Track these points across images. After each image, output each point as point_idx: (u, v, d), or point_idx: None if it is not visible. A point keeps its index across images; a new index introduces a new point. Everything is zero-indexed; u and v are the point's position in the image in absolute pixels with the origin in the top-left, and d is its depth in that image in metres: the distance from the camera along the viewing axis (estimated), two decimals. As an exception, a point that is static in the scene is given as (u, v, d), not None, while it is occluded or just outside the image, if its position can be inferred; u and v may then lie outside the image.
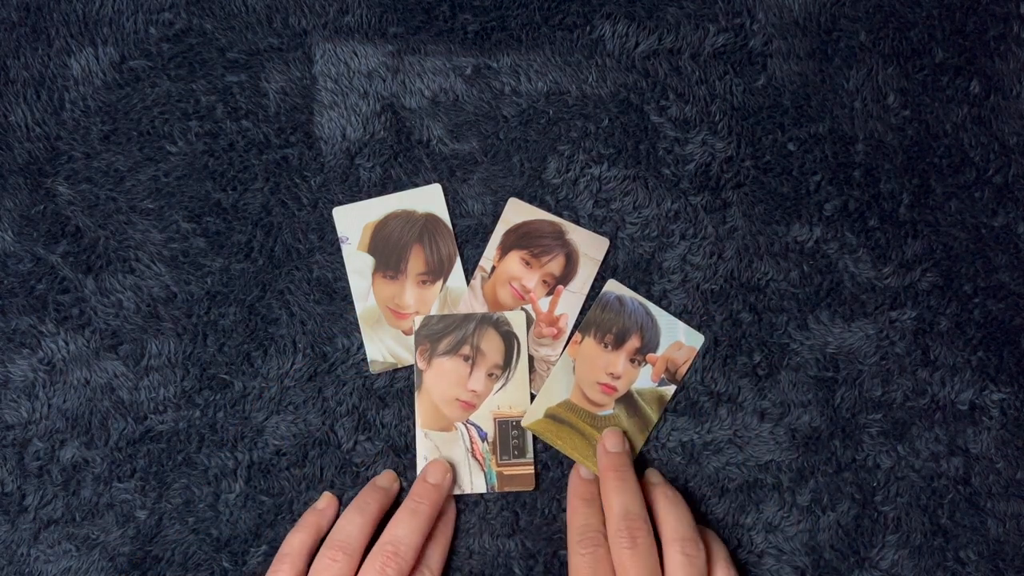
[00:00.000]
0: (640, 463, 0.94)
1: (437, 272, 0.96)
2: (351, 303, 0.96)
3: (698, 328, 0.95)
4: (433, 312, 0.96)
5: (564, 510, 0.93)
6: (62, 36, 0.98)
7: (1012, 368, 0.95)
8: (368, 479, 0.93)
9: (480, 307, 0.96)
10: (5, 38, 0.98)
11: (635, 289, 0.96)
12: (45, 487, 0.93)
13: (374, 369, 0.95)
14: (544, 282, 0.96)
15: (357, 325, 0.95)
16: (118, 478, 0.93)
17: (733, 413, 0.94)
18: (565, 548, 0.93)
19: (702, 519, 0.93)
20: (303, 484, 0.93)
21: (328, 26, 0.98)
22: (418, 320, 0.94)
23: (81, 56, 0.97)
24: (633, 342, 0.95)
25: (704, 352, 0.95)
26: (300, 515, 0.92)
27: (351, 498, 0.93)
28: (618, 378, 0.94)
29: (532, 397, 0.94)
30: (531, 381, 0.95)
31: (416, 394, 0.94)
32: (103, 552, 0.92)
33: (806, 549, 0.93)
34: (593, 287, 0.96)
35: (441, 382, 0.94)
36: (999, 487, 0.93)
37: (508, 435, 0.94)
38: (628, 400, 0.94)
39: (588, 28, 0.98)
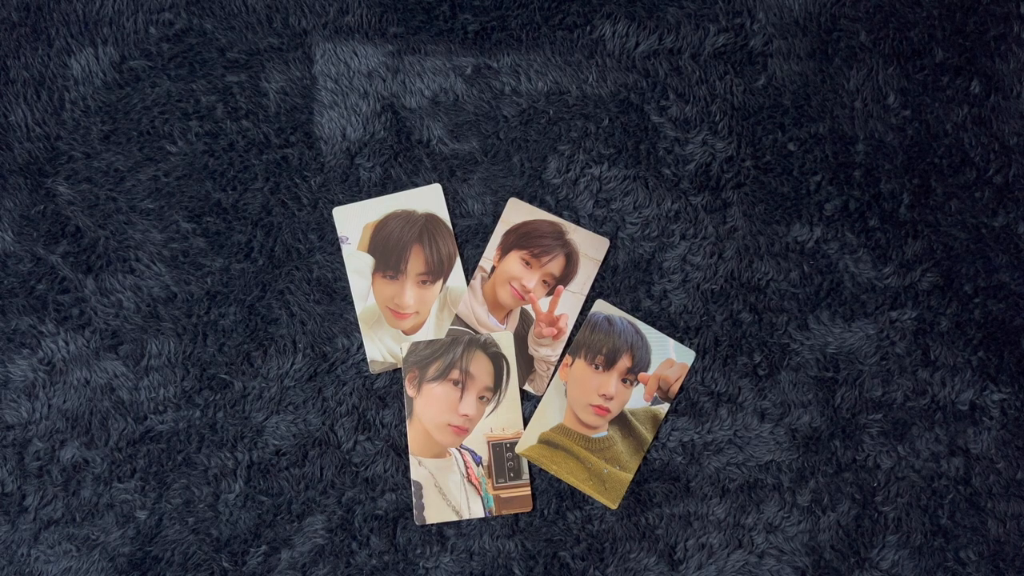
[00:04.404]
0: (640, 467, 0.94)
1: (437, 272, 0.96)
2: (351, 303, 0.96)
3: (697, 329, 0.95)
4: (433, 313, 0.96)
5: (563, 511, 0.93)
6: (62, 36, 0.98)
7: (1012, 368, 0.95)
8: (368, 479, 0.93)
9: (480, 307, 0.96)
10: (5, 38, 0.98)
11: (635, 290, 0.96)
12: (45, 487, 0.93)
13: (374, 369, 0.95)
14: (544, 282, 0.96)
15: (357, 325, 0.95)
16: (118, 478, 0.93)
17: (733, 413, 0.94)
18: (565, 549, 0.93)
19: (703, 519, 0.93)
20: (303, 484, 0.93)
21: (328, 26, 0.98)
22: (405, 347, 0.94)
23: (81, 56, 0.97)
24: (624, 362, 0.95)
25: (704, 352, 0.95)
26: (300, 515, 0.92)
27: (351, 498, 0.93)
28: (611, 399, 0.94)
29: (525, 419, 0.94)
30: (531, 382, 0.95)
31: (407, 422, 0.94)
32: (103, 552, 0.92)
33: (806, 549, 0.93)
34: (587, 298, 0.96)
35: (432, 408, 0.94)
36: (999, 487, 0.93)
37: (503, 457, 0.94)
38: (622, 421, 0.94)
39: (588, 28, 0.98)
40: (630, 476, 0.93)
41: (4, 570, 0.92)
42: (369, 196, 0.97)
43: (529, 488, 0.93)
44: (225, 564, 0.92)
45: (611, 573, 0.92)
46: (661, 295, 0.96)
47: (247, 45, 0.98)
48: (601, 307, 0.95)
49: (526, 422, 0.94)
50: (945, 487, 0.93)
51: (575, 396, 0.94)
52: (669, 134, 0.97)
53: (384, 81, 0.98)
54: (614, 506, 0.93)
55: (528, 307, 0.96)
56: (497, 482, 0.93)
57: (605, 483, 0.93)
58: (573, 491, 0.94)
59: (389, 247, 0.96)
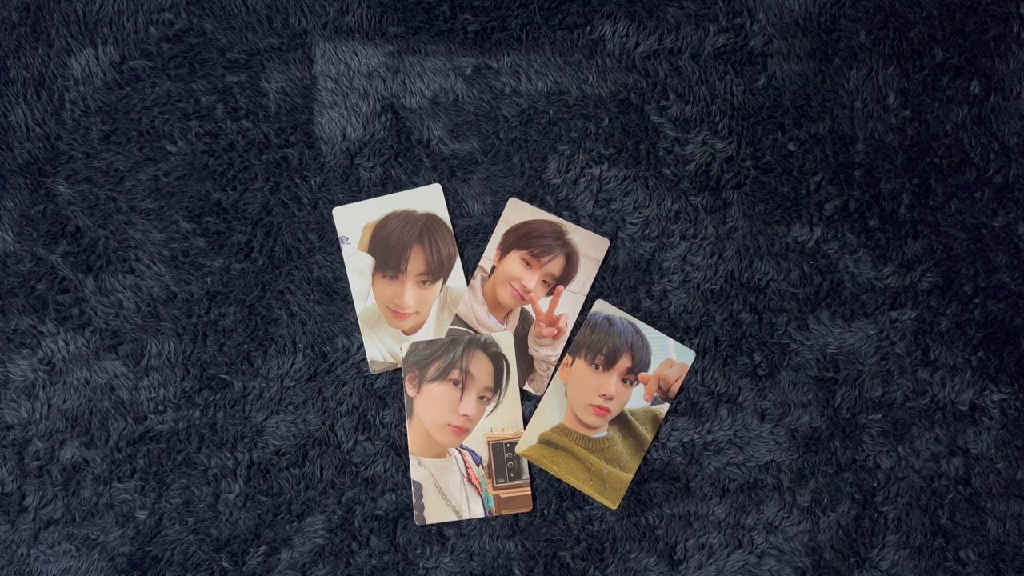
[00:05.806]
0: (640, 467, 0.94)
1: (437, 272, 0.96)
2: (351, 303, 0.96)
3: (697, 329, 0.95)
4: (433, 313, 0.96)
5: (563, 511, 0.93)
6: (62, 36, 0.98)
7: (1012, 368, 0.95)
8: (368, 479, 0.93)
9: (480, 307, 0.96)
10: (5, 38, 0.98)
11: (635, 290, 0.96)
12: (45, 487, 0.93)
13: (374, 369, 0.95)
14: (544, 282, 0.96)
15: (357, 325, 0.95)
16: (118, 478, 0.93)
17: (733, 413, 0.94)
18: (565, 549, 0.93)
19: (703, 519, 0.93)
20: (303, 484, 0.93)
21: (328, 26, 0.98)
22: (405, 347, 0.94)
23: (81, 56, 0.97)
24: (624, 362, 0.95)
25: (704, 352, 0.95)
26: (300, 515, 0.92)
27: (351, 498, 0.93)
28: (611, 399, 0.94)
29: (525, 419, 0.94)
30: (531, 382, 0.95)
31: (407, 422, 0.94)
32: (103, 552, 0.92)
33: (806, 549, 0.93)
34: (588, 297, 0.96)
35: (432, 408, 0.94)
36: (999, 487, 0.93)
37: (503, 457, 0.94)
38: (622, 421, 0.94)
39: (588, 28, 0.98)
40: (630, 476, 0.93)
41: (4, 570, 0.92)
42: (369, 196, 0.97)
43: (529, 488, 0.93)
44: (225, 564, 0.92)
45: (611, 573, 0.92)
46: (661, 295, 0.96)
47: (247, 45, 0.98)
48: (601, 307, 0.95)
49: (526, 422, 0.94)
50: (945, 487, 0.93)
51: (575, 396, 0.94)
52: (669, 134, 0.97)
53: (384, 81, 0.98)
54: (614, 506, 0.93)
55: (528, 307, 0.96)
56: (497, 482, 0.93)
57: (605, 483, 0.93)
58: (573, 491, 0.94)
59: (389, 247, 0.96)
